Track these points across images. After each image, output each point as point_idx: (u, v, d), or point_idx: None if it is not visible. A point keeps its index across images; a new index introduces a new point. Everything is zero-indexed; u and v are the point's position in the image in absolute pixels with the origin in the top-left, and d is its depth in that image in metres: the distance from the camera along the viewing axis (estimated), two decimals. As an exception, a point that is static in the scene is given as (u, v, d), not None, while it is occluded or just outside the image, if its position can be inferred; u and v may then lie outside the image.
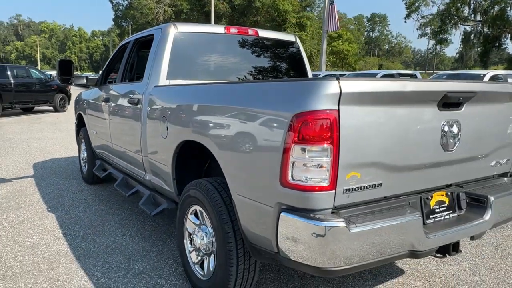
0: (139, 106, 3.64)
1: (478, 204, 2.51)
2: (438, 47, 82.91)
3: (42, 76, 16.48)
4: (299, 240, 1.96)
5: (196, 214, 2.86)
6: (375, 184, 2.06)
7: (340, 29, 30.08)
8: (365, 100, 1.95)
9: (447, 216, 2.43)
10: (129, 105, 3.87)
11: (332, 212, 1.96)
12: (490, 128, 2.58)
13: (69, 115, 15.45)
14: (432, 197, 2.37)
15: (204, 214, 2.70)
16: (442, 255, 2.40)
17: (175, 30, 3.63)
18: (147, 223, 4.31)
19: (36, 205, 4.85)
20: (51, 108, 17.07)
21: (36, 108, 17.44)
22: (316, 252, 1.93)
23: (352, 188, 1.98)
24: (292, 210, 1.98)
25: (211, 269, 2.70)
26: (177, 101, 3.10)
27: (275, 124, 2.03)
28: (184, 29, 3.70)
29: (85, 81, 5.12)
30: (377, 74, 12.75)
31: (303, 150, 1.89)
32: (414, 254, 2.16)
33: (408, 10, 36.63)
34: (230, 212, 2.45)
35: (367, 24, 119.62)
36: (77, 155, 6.76)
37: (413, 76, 13.20)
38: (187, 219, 2.94)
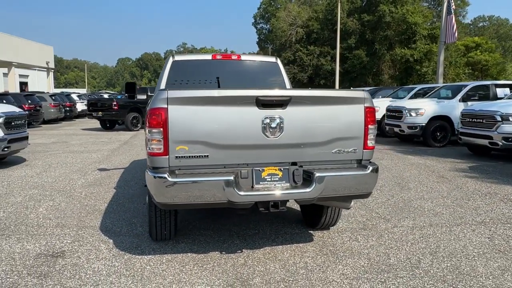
0: (149, 112, 5.28)
1: (309, 178, 3.40)
2: None
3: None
4: (150, 186, 3.27)
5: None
6: (202, 155, 3.23)
7: (458, 39, 27.91)
8: (188, 102, 3.17)
9: (278, 185, 3.39)
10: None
11: (169, 170, 3.22)
12: (320, 123, 3.41)
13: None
14: (264, 170, 3.38)
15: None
16: (265, 209, 3.37)
17: (173, 59, 5.20)
18: (166, 198, 5.91)
19: (110, 185, 6.91)
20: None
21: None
22: (157, 193, 3.21)
23: (182, 156, 3.21)
24: (150, 168, 3.31)
25: (151, 217, 4.12)
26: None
27: (147, 116, 3.37)
28: (179, 58, 5.24)
29: (145, 96, 7.05)
30: (467, 85, 12.21)
31: (150, 131, 3.21)
32: (231, 204, 3.24)
33: None
34: None
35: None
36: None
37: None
38: (150, 189, 4.40)
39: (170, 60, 5.19)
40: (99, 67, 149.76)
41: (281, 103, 3.31)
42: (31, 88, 43.87)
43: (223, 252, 3.90)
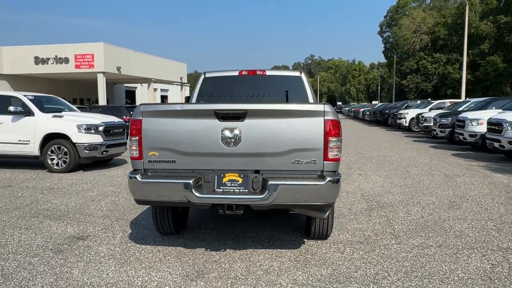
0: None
1: (265, 186, 3.64)
2: None
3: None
4: (128, 185, 3.90)
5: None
6: (169, 160, 3.75)
7: None
8: (158, 114, 3.73)
9: (237, 190, 3.70)
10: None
11: (143, 172, 3.81)
12: (278, 135, 3.61)
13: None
14: (225, 175, 3.74)
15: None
16: (223, 212, 3.69)
17: (204, 76, 5.85)
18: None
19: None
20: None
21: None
22: (131, 190, 3.83)
23: (153, 160, 3.78)
24: (131, 170, 3.94)
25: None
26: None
27: (129, 126, 4.01)
28: (209, 75, 5.86)
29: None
30: None
31: (130, 139, 3.85)
32: (190, 204, 3.67)
33: None
34: None
35: None
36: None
37: None
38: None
39: (202, 77, 5.84)
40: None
41: (238, 115, 3.64)
42: (170, 100, 49.95)
43: (208, 249, 4.33)
